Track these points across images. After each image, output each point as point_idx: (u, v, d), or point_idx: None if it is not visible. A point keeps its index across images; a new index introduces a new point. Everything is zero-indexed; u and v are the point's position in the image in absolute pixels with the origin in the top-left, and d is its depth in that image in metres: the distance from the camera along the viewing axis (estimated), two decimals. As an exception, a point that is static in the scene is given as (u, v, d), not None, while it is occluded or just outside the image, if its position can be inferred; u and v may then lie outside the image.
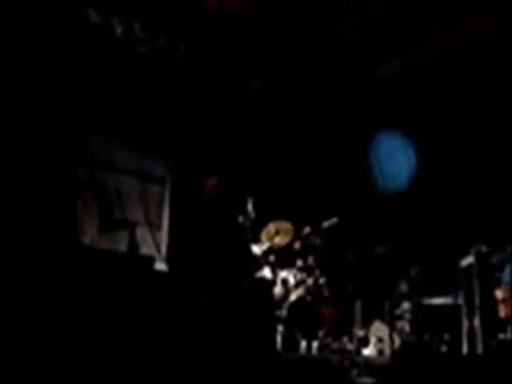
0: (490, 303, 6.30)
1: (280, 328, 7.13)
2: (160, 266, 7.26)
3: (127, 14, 7.50)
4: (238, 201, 7.66)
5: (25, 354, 3.72)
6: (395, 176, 9.12)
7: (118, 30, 7.48)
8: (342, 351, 7.06)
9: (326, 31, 7.98)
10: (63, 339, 3.88)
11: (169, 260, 7.68)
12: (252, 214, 7.63)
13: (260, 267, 7.63)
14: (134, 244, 6.76)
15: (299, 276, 7.68)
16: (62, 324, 3.89)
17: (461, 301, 6.86)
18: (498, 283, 6.39)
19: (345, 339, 7.32)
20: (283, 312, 7.35)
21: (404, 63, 8.35)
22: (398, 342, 7.17)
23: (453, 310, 7.13)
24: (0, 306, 3.71)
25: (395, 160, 9.22)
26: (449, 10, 7.45)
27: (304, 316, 7.37)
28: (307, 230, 8.00)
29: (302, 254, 7.87)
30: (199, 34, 7.96)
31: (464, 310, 6.72)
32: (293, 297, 7.50)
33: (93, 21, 7.23)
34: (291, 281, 7.64)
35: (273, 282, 7.43)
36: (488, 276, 6.40)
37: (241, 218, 7.59)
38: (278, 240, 7.93)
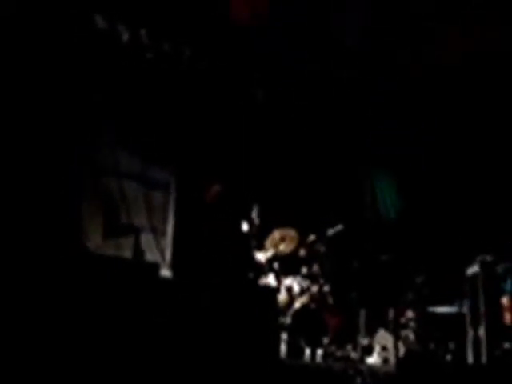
0: (495, 312, 6.29)
1: (284, 335, 7.11)
2: (165, 272, 7.26)
3: (134, 21, 7.51)
4: (241, 207, 7.66)
5: (28, 360, 3.72)
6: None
7: (125, 36, 7.49)
8: (346, 359, 7.05)
9: (326, 31, 7.98)
10: (68, 345, 3.87)
11: (173, 266, 7.67)
12: (257, 221, 7.63)
13: (264, 274, 7.62)
14: (138, 250, 6.76)
15: (304, 283, 7.66)
16: (67, 330, 3.89)
17: (465, 310, 6.85)
18: (502, 292, 6.38)
19: (349, 347, 7.30)
20: (287, 319, 7.33)
21: (404, 63, 8.35)
22: (402, 350, 7.16)
23: (457, 318, 7.12)
24: (4, 311, 3.71)
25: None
26: (449, 13, 7.46)
27: (308, 324, 7.35)
28: (312, 237, 7.98)
29: (307, 261, 7.86)
30: (203, 40, 7.98)
31: (469, 318, 6.70)
32: (297, 304, 7.48)
33: (99, 27, 7.25)
34: (296, 288, 7.62)
35: (277, 290, 7.41)
36: (493, 285, 6.39)
37: (245, 225, 7.58)
38: (282, 247, 7.91)
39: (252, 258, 7.60)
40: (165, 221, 8.05)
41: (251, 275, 7.45)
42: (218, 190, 7.56)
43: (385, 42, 8.03)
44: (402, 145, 9.04)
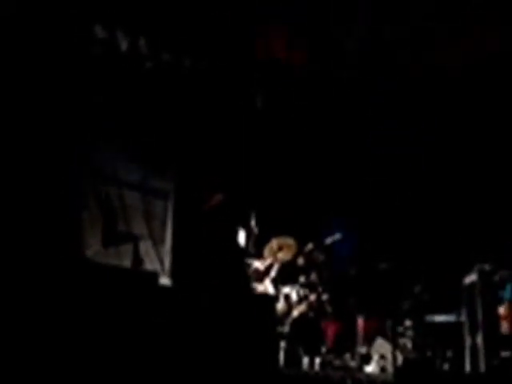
0: (493, 321, 6.29)
1: (282, 344, 7.12)
2: (164, 280, 7.26)
3: (133, 30, 7.54)
4: (239, 216, 7.67)
5: (27, 369, 3.72)
6: None
7: (124, 46, 7.51)
8: (345, 368, 7.05)
9: (326, 31, 7.99)
10: (67, 353, 3.88)
11: (173, 274, 7.67)
12: (255, 230, 7.64)
13: (262, 283, 7.63)
14: (137, 259, 6.75)
15: (302, 292, 7.67)
16: (65, 339, 3.89)
17: (463, 318, 6.85)
18: (500, 301, 6.38)
19: (347, 356, 7.30)
20: (285, 328, 7.35)
21: (404, 63, 8.36)
22: (400, 359, 7.15)
23: (455, 327, 7.12)
24: (1, 321, 3.71)
25: None
26: (449, 13, 7.47)
27: (306, 332, 7.36)
28: (310, 246, 8.00)
29: (305, 270, 7.87)
30: (203, 47, 8.00)
31: (466, 327, 6.70)
32: (295, 313, 7.49)
33: (99, 36, 7.27)
34: (294, 297, 7.64)
35: (275, 298, 7.42)
36: (491, 294, 6.40)
37: (243, 234, 7.60)
38: (280, 256, 7.93)
39: (248, 267, 7.62)
40: (164, 229, 8.05)
41: (249, 284, 7.46)
42: (220, 199, 7.57)
43: (385, 41, 8.04)
44: (402, 145, 9.01)
